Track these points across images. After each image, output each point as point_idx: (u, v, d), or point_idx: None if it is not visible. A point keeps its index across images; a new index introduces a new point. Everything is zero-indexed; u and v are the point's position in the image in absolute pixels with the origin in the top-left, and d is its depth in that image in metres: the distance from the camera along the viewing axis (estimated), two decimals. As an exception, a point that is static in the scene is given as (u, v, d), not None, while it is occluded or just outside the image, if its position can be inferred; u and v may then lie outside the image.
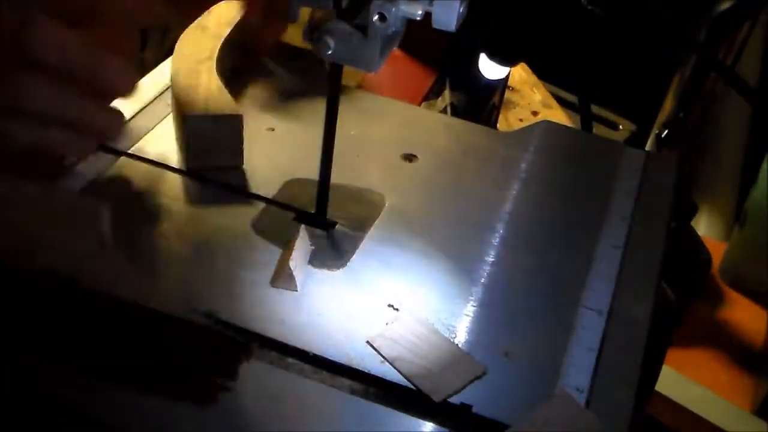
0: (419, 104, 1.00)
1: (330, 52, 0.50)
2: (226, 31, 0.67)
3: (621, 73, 1.27)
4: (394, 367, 0.47)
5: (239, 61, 0.69)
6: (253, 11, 0.66)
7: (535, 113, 1.23)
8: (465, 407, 0.46)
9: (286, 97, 0.69)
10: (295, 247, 0.53)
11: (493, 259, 0.57)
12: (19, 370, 0.45)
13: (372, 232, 0.58)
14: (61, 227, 0.50)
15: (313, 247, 0.55)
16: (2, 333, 0.45)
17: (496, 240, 0.58)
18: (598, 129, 1.26)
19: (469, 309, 0.53)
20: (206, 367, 0.46)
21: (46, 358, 0.46)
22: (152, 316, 0.46)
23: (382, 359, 0.48)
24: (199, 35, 0.67)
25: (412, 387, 0.47)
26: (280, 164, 0.62)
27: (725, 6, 0.93)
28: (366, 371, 0.48)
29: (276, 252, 0.55)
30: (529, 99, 1.26)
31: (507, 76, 0.94)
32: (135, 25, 0.58)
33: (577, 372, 0.49)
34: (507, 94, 1.14)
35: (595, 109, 0.96)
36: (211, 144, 0.60)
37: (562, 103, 1.28)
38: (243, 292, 0.52)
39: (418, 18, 0.48)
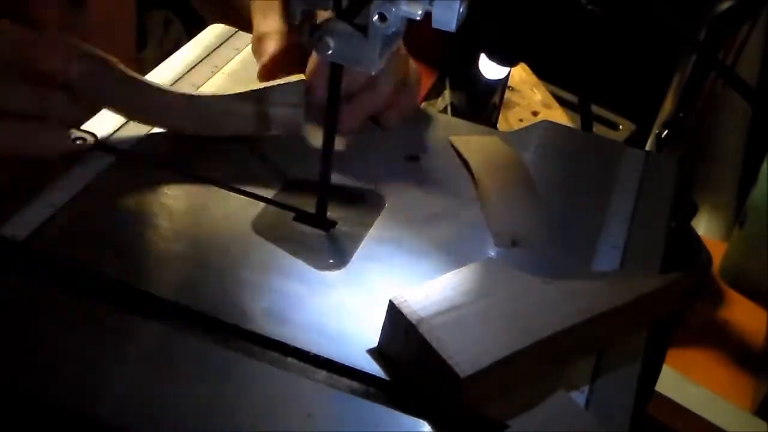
0: (419, 104, 1.00)
1: (330, 52, 0.50)
2: None
3: (621, 73, 1.27)
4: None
5: None
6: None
7: (535, 113, 1.23)
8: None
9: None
10: None
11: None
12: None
13: (372, 232, 0.58)
14: None
15: None
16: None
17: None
18: (598, 129, 1.26)
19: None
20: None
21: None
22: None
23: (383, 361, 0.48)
24: None
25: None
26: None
27: (725, 6, 0.93)
28: (366, 371, 0.48)
29: (276, 252, 0.55)
30: (529, 99, 1.26)
31: (507, 76, 0.94)
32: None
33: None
34: (507, 94, 1.14)
35: (595, 109, 0.96)
36: None
37: (562, 103, 1.28)
38: (243, 292, 0.52)
39: (418, 18, 0.48)
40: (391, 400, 0.47)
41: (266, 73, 0.63)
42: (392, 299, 0.47)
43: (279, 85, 0.60)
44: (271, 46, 0.63)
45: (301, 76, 0.60)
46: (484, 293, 0.48)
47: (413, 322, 0.46)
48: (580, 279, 0.51)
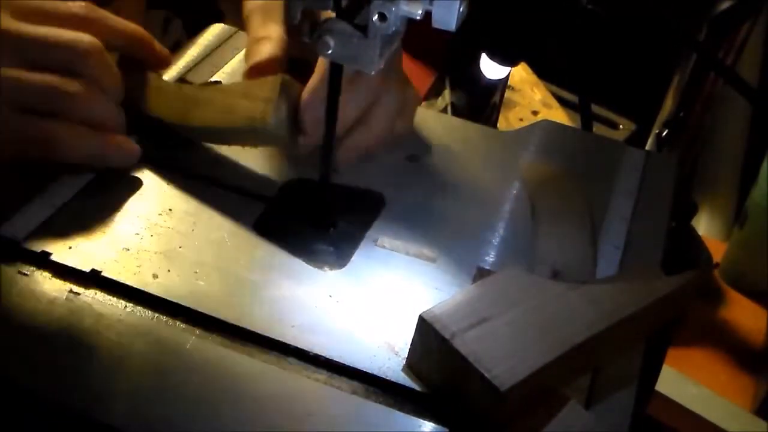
0: (419, 104, 1.00)
1: (330, 52, 0.50)
2: None
3: (621, 73, 1.27)
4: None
5: None
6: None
7: (535, 113, 1.23)
8: (459, 404, 0.46)
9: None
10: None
11: (493, 259, 0.57)
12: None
13: (372, 232, 0.58)
14: None
15: None
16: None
17: (496, 240, 0.58)
18: (598, 129, 1.27)
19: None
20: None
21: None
22: None
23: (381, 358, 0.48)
24: None
25: (412, 386, 0.47)
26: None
27: (725, 6, 0.93)
28: (366, 371, 0.48)
29: (276, 252, 0.55)
30: (529, 98, 1.26)
31: (507, 76, 0.94)
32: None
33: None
34: (507, 93, 1.14)
35: (595, 108, 0.96)
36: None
37: (562, 102, 1.29)
38: (243, 292, 0.52)
39: (418, 18, 0.48)
40: (391, 400, 0.47)
41: (255, 74, 0.61)
42: (422, 315, 0.47)
43: (256, 81, 0.58)
44: (269, 49, 0.61)
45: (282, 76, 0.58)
46: (512, 303, 0.48)
47: (446, 337, 0.45)
48: (602, 284, 0.51)
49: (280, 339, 0.49)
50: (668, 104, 1.05)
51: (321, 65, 0.58)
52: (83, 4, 0.58)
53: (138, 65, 0.62)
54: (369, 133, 0.62)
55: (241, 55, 0.73)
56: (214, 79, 0.70)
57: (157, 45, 0.62)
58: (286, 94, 0.57)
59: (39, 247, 0.52)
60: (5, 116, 0.54)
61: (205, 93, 0.61)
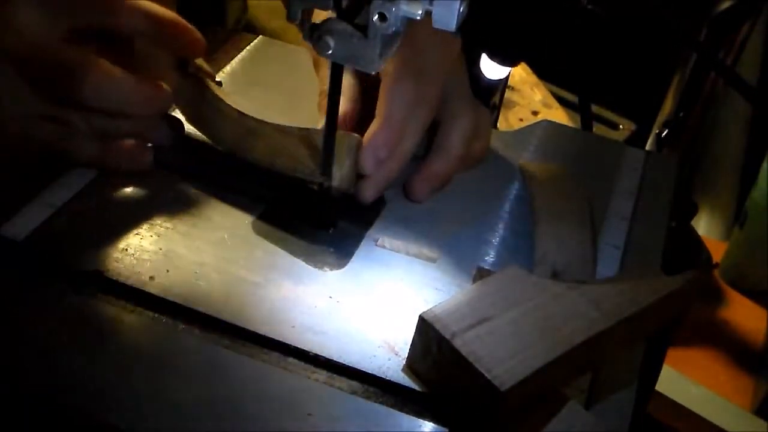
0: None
1: (330, 52, 0.50)
2: None
3: (621, 73, 1.27)
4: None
5: None
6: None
7: (535, 113, 1.23)
8: (459, 404, 0.46)
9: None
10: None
11: (493, 259, 0.57)
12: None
13: (372, 232, 0.58)
14: None
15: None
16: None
17: (496, 240, 0.59)
18: (598, 129, 1.26)
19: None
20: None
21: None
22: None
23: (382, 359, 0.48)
24: None
25: (411, 386, 0.47)
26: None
27: (725, 6, 0.93)
28: (366, 371, 0.48)
29: (276, 252, 0.55)
30: (530, 98, 1.26)
31: (507, 76, 0.94)
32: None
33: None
34: (507, 93, 1.14)
35: (595, 109, 0.96)
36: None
37: (562, 102, 1.28)
38: (243, 292, 0.52)
39: (419, 18, 0.48)
40: (391, 400, 0.47)
41: None
42: (422, 315, 0.47)
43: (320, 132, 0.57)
44: (341, 106, 0.59)
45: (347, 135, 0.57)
46: (512, 303, 0.48)
47: (447, 336, 0.45)
48: (602, 284, 0.51)
49: (281, 339, 0.49)
50: (668, 104, 1.05)
51: (381, 109, 0.58)
52: None
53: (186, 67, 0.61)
54: (447, 160, 0.61)
55: (240, 55, 0.74)
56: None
57: (193, 30, 0.57)
58: (350, 151, 0.56)
59: (39, 247, 0.52)
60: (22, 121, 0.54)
61: (267, 129, 0.59)
